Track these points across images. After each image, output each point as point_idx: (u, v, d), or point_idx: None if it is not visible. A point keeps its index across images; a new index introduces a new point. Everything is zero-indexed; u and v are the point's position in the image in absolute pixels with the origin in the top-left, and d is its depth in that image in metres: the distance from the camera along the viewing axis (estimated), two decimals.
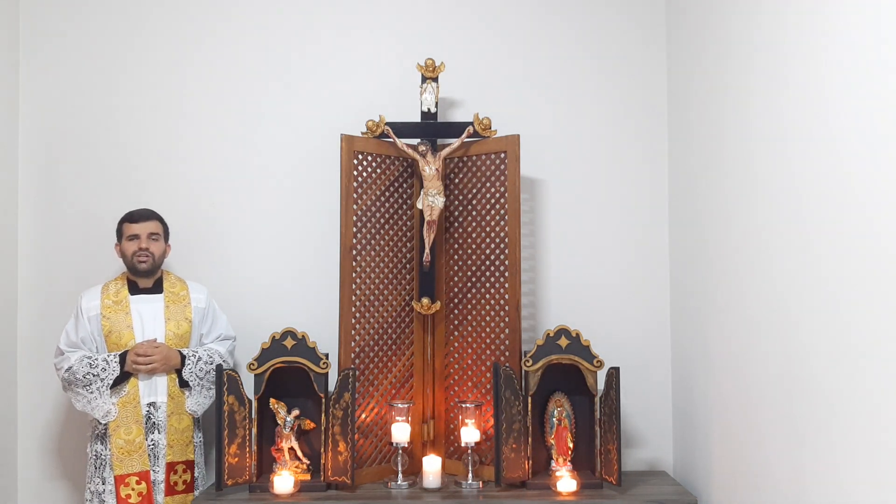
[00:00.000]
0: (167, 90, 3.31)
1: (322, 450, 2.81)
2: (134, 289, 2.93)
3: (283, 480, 2.76)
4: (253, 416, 2.81)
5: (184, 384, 2.86)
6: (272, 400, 2.85)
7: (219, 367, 2.78)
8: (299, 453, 2.88)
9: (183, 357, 2.86)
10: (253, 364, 2.81)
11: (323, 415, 2.81)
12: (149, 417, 2.81)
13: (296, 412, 2.87)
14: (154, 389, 2.83)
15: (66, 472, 3.26)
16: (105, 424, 2.80)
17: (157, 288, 2.95)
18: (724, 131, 2.58)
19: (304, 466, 2.87)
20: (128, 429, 2.78)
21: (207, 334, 3.00)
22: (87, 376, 2.77)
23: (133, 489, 2.77)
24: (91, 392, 2.78)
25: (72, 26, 3.32)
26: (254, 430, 2.82)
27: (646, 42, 3.30)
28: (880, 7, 1.65)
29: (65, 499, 3.26)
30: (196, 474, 2.90)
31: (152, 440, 2.81)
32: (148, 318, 2.89)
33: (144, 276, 2.92)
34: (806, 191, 1.98)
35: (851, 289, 1.76)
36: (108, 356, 2.81)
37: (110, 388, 2.78)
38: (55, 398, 3.24)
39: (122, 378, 2.80)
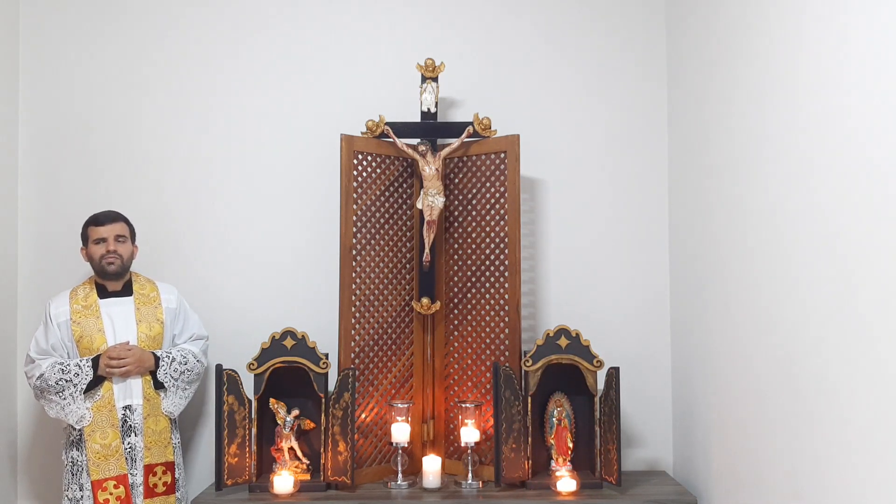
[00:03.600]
0: (166, 90, 3.30)
1: (322, 450, 2.81)
2: (103, 292, 2.88)
3: (283, 480, 2.76)
4: (253, 416, 2.81)
5: (159, 386, 2.83)
6: (272, 400, 2.86)
7: (218, 366, 2.77)
8: (299, 453, 2.88)
9: (157, 358, 2.83)
10: (253, 364, 2.81)
11: (323, 415, 2.81)
12: (125, 421, 2.77)
13: (296, 412, 2.87)
14: (129, 392, 2.79)
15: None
16: (80, 430, 2.74)
17: (126, 290, 2.91)
18: (725, 130, 2.58)
19: (304, 466, 2.87)
20: (103, 433, 2.74)
21: (180, 335, 2.97)
22: (60, 382, 2.73)
23: (111, 493, 2.72)
24: (64, 398, 2.73)
25: (71, 27, 3.32)
26: (254, 430, 2.82)
27: (646, 42, 3.30)
28: (879, 11, 1.65)
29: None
30: (177, 475, 2.86)
31: (129, 443, 2.77)
32: (119, 321, 2.85)
33: (113, 279, 2.88)
34: (805, 191, 1.98)
35: (850, 290, 1.76)
36: (81, 361, 2.76)
37: (84, 393, 2.74)
38: None
39: (96, 382, 2.76)
